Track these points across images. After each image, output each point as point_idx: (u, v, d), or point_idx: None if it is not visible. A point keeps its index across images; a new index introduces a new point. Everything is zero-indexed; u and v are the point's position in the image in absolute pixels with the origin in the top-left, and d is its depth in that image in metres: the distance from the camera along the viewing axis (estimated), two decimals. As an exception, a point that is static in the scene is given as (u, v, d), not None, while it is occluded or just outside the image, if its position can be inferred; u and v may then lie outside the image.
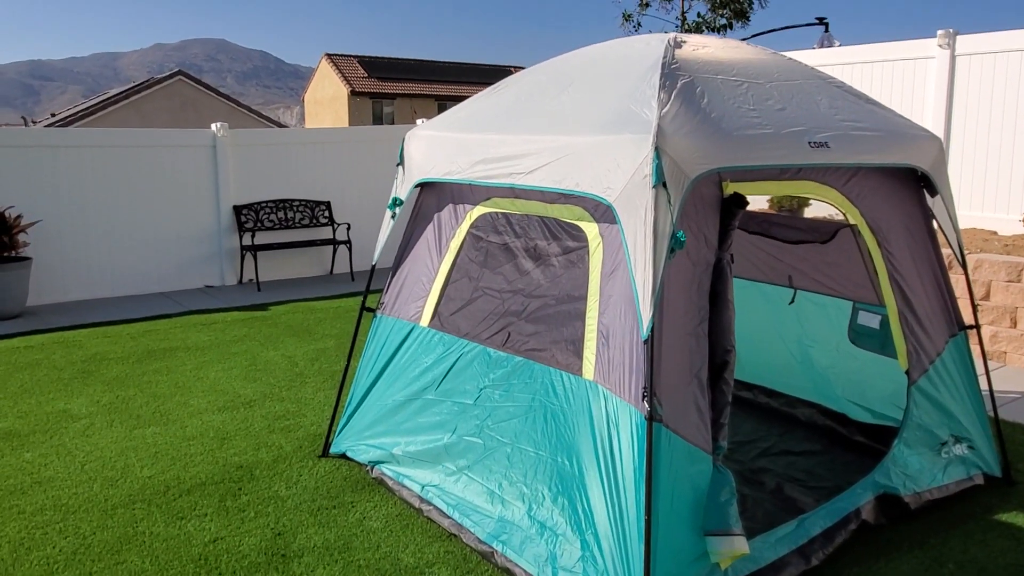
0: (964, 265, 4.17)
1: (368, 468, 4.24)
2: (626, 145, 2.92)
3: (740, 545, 3.02)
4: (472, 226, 3.93)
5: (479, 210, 3.89)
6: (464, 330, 3.83)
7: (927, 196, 4.06)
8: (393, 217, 4.23)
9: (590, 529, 2.98)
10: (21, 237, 8.11)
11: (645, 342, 2.78)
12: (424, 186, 4.23)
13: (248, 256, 9.85)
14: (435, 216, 4.15)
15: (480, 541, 3.43)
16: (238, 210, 9.73)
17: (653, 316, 2.79)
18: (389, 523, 3.76)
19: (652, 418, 2.76)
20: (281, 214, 10.03)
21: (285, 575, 3.34)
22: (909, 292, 3.94)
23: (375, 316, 4.39)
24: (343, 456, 4.46)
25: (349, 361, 4.56)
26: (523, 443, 3.38)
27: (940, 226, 4.10)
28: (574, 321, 3.28)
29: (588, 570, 2.96)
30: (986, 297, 6.38)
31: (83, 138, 8.83)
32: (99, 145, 8.84)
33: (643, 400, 2.79)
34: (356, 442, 4.33)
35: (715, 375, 3.19)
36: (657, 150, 2.80)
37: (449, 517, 3.63)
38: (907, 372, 3.93)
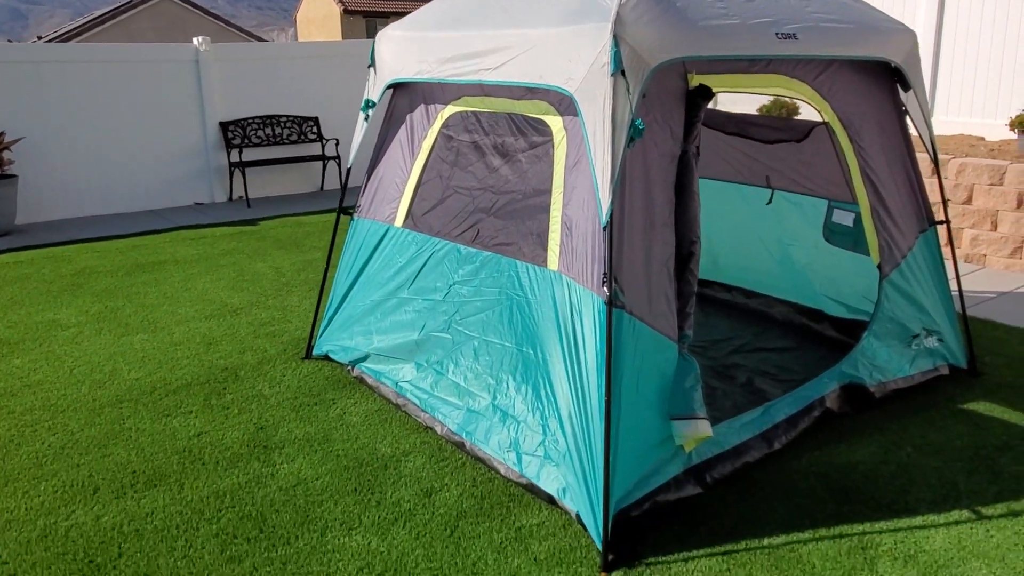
0: (935, 160, 4.17)
1: (348, 368, 4.35)
2: (586, 35, 2.90)
3: (703, 429, 3.13)
4: (443, 126, 3.92)
5: (450, 109, 3.88)
6: (436, 229, 3.87)
7: (900, 92, 4.04)
8: (366, 119, 4.21)
9: (553, 414, 3.08)
10: (5, 155, 8.08)
11: (604, 229, 2.82)
12: (396, 88, 4.20)
13: (237, 173, 9.83)
14: (407, 117, 4.13)
15: (452, 433, 3.55)
16: (224, 126, 9.65)
17: (612, 203, 2.82)
18: (368, 418, 3.89)
19: (612, 303, 2.82)
20: (269, 130, 9.94)
21: (266, 464, 3.48)
22: (881, 188, 3.96)
23: (352, 219, 4.43)
24: (325, 357, 4.57)
25: (328, 264, 4.62)
26: (489, 336, 3.47)
27: (913, 121, 4.08)
28: (540, 214, 3.32)
29: (550, 452, 3.08)
30: (968, 201, 6.38)
31: (65, 53, 8.69)
32: (81, 60, 8.71)
33: (603, 286, 2.85)
34: (336, 343, 4.43)
35: (681, 265, 3.25)
36: (616, 38, 2.78)
37: (424, 411, 3.74)
38: (879, 266, 3.99)
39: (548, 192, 3.29)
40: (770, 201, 4.91)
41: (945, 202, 4.22)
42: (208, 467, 3.46)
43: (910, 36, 3.93)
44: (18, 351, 4.89)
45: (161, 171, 9.40)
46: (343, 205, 4.46)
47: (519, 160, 3.49)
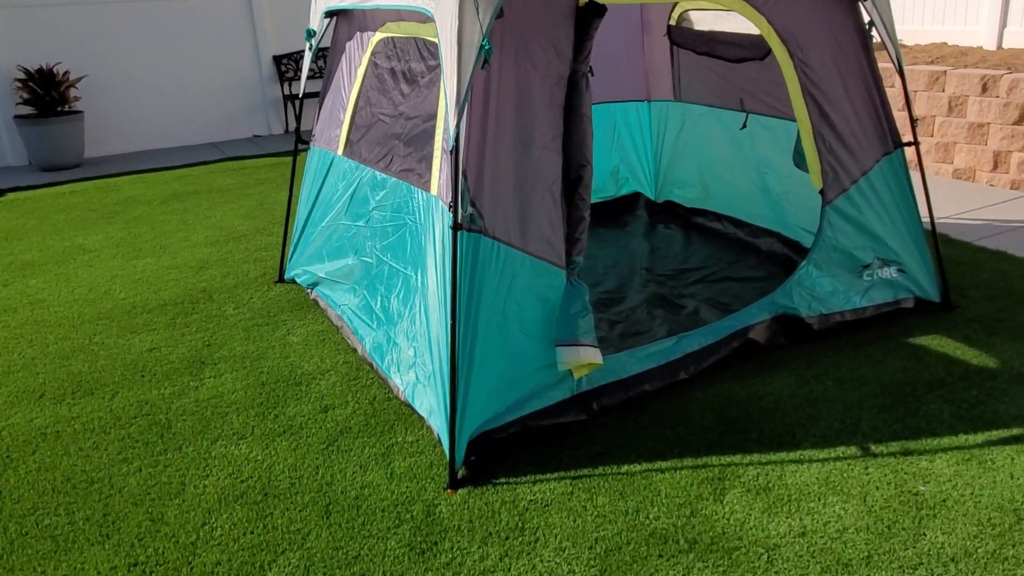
0: (902, 75, 3.83)
1: (308, 291, 4.54)
2: (442, -49, 2.83)
3: (589, 355, 3.11)
4: (372, 53, 3.94)
5: (377, 36, 3.89)
6: (363, 155, 3.93)
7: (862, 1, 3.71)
8: (310, 49, 4.28)
9: (424, 337, 3.14)
10: (72, 92, 8.67)
11: (451, 152, 2.80)
12: (337, 16, 4.23)
13: (291, 105, 10.15)
14: (346, 45, 4.17)
15: (367, 354, 3.68)
16: (278, 60, 9.94)
17: (458, 126, 2.80)
18: (307, 339, 4.07)
19: (457, 226, 2.82)
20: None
21: (195, 378, 3.73)
22: (828, 107, 3.69)
23: (308, 148, 4.55)
24: (293, 281, 4.79)
25: (291, 193, 4.79)
26: (393, 260, 3.54)
27: (878, 34, 3.75)
28: (430, 139, 3.32)
29: (419, 374, 3.16)
30: (1020, 121, 5.79)
31: None
32: (140, -1, 9.17)
33: (449, 210, 2.85)
34: (300, 268, 4.62)
35: (569, 190, 3.19)
36: (462, -47, 2.71)
37: (353, 334, 3.89)
38: (821, 191, 3.75)
39: (435, 116, 3.28)
40: (744, 126, 4.66)
41: (913, 122, 3.88)
42: (145, 379, 3.75)
43: (867, -63, 3.58)
44: (38, 272, 5.37)
45: (219, 104, 9.84)
46: (299, 134, 4.59)
47: (420, 85, 3.48)
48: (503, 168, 2.96)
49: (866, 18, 3.72)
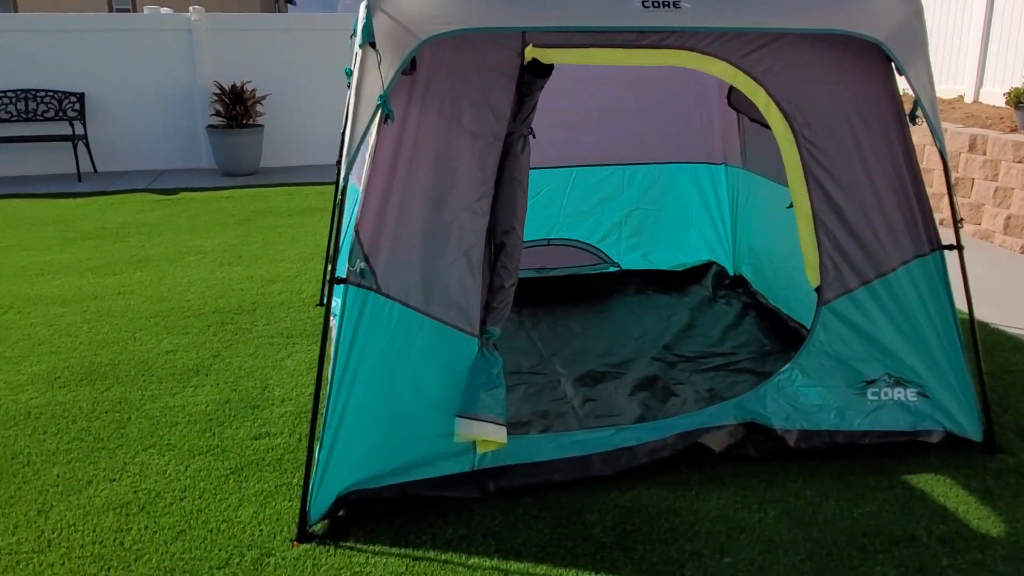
0: (946, 167, 3.21)
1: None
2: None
3: (487, 432, 2.94)
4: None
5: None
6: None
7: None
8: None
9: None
10: (257, 108, 9.67)
11: (335, 204, 2.78)
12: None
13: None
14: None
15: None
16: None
17: (345, 178, 2.77)
18: (300, 365, 4.20)
19: (334, 280, 2.79)
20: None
21: (181, 385, 3.98)
22: (838, 193, 3.20)
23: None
24: (327, 307, 4.97)
25: (334, 215, 4.98)
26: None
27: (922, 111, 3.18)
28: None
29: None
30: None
31: (302, 22, 10.13)
32: (317, 28, 10.06)
33: (328, 263, 2.82)
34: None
35: (492, 257, 3.04)
36: (368, 8, 2.68)
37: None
38: (817, 289, 3.25)
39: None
40: (790, 206, 4.14)
41: (957, 223, 3.25)
42: (141, 379, 4.07)
43: (904, 4, 3.06)
44: (147, 268, 6.04)
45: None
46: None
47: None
48: (408, 226, 2.88)
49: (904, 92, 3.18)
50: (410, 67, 2.81)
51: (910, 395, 3.29)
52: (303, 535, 2.79)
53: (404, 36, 2.71)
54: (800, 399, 3.26)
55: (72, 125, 9.46)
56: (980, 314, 4.63)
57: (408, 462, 2.97)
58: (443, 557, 2.69)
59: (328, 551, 2.72)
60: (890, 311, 3.26)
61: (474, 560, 2.67)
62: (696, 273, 5.25)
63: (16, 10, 26.24)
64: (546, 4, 2.80)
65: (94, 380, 4.06)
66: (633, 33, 2.97)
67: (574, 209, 4.94)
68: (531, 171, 4.87)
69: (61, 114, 9.54)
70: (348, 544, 2.76)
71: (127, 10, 24.41)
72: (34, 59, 9.47)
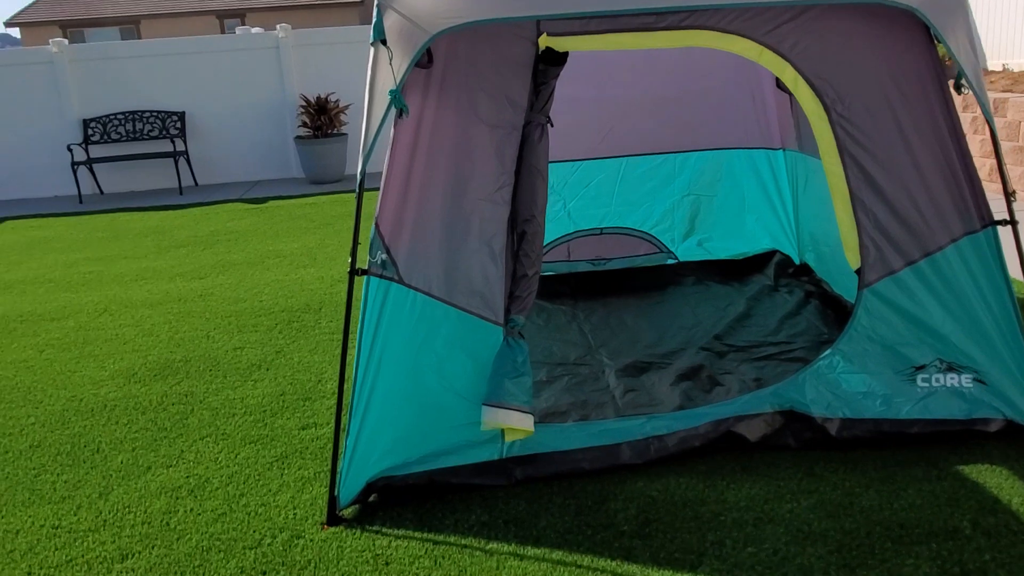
0: (994, 138, 3.01)
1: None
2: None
3: (513, 420, 2.98)
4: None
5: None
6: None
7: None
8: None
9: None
10: (341, 117, 10.01)
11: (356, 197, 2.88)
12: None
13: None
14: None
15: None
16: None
17: (363, 170, 2.86)
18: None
19: (354, 272, 2.88)
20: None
21: (243, 379, 4.20)
22: (877, 171, 3.06)
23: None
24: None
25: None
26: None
27: (967, 82, 3.01)
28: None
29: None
30: None
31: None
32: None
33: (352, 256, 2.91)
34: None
35: (514, 245, 3.07)
36: (379, 6, 2.77)
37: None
38: (858, 271, 3.11)
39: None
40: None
41: (1009, 195, 3.03)
42: (209, 372, 4.31)
43: (940, -34, 2.90)
44: (230, 271, 6.37)
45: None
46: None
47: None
48: (428, 217, 2.95)
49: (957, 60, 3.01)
50: (427, 61, 2.88)
51: (965, 381, 3.10)
52: (332, 519, 2.89)
53: (414, 32, 2.78)
54: (842, 386, 3.13)
55: (173, 142, 10.09)
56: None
57: (436, 450, 3.03)
58: (463, 542, 2.74)
59: (354, 534, 2.81)
60: (939, 292, 3.08)
61: (493, 545, 2.71)
62: (758, 262, 5.10)
63: (140, 36, 28.20)
64: (555, -8, 2.81)
65: (167, 375, 4.33)
66: (651, 16, 2.94)
67: (625, 199, 4.90)
68: (579, 162, 4.92)
69: (164, 132, 10.18)
70: (374, 528, 2.85)
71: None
72: (140, 82, 10.15)
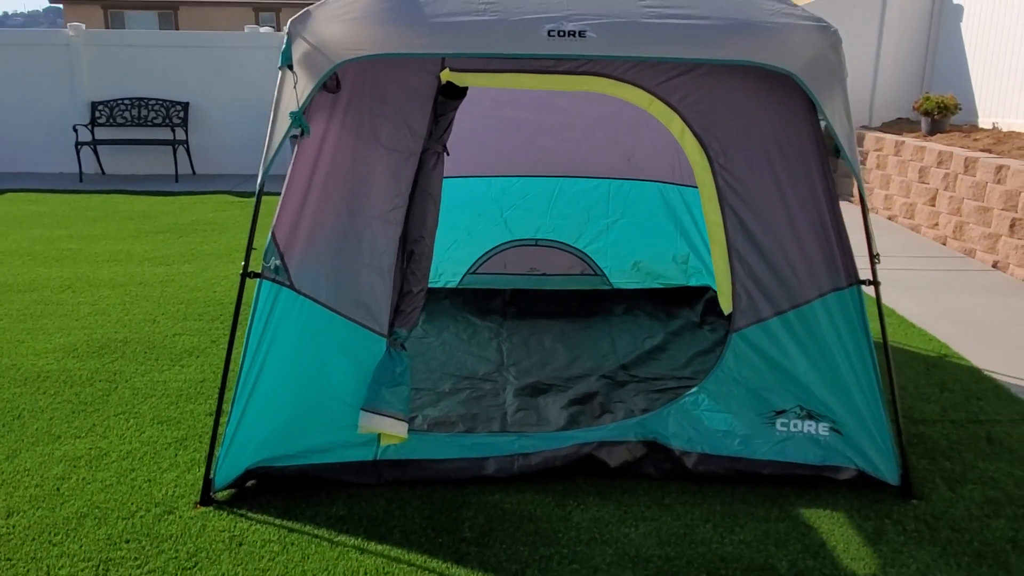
0: (863, 201, 3.17)
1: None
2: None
3: (387, 426, 3.18)
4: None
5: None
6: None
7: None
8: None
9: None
10: (339, 120, 10.29)
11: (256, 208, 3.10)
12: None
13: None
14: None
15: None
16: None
17: (262, 182, 3.08)
18: (282, 355, 4.57)
19: (246, 274, 3.09)
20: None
21: (171, 363, 4.43)
22: (754, 223, 3.23)
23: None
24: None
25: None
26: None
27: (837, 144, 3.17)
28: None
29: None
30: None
31: None
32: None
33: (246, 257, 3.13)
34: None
35: (405, 263, 3.27)
36: (289, 34, 2.99)
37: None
38: (729, 316, 3.28)
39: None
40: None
41: (873, 256, 3.19)
42: (143, 355, 4.55)
43: (820, 37, 3.07)
44: (196, 261, 6.63)
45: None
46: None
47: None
48: (323, 229, 3.16)
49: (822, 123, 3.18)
50: (335, 86, 3.10)
51: (822, 429, 3.25)
52: (205, 499, 3.10)
53: (319, 60, 3.00)
54: (704, 423, 3.29)
55: (174, 131, 10.43)
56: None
57: (313, 446, 3.23)
58: (316, 532, 2.93)
59: (221, 515, 3.02)
60: (804, 343, 3.24)
61: (341, 538, 2.90)
62: (692, 296, 5.27)
63: (177, 23, 28.84)
64: (453, 32, 3.01)
65: (103, 353, 4.57)
66: (549, 60, 3.14)
67: (561, 212, 5.15)
68: (517, 178, 5.14)
69: (168, 121, 10.53)
70: (241, 512, 3.05)
71: (273, 27, 26.29)
72: (149, 71, 10.51)
